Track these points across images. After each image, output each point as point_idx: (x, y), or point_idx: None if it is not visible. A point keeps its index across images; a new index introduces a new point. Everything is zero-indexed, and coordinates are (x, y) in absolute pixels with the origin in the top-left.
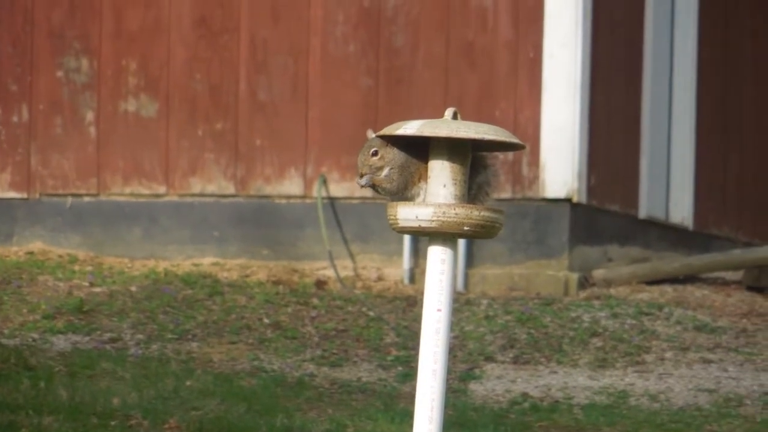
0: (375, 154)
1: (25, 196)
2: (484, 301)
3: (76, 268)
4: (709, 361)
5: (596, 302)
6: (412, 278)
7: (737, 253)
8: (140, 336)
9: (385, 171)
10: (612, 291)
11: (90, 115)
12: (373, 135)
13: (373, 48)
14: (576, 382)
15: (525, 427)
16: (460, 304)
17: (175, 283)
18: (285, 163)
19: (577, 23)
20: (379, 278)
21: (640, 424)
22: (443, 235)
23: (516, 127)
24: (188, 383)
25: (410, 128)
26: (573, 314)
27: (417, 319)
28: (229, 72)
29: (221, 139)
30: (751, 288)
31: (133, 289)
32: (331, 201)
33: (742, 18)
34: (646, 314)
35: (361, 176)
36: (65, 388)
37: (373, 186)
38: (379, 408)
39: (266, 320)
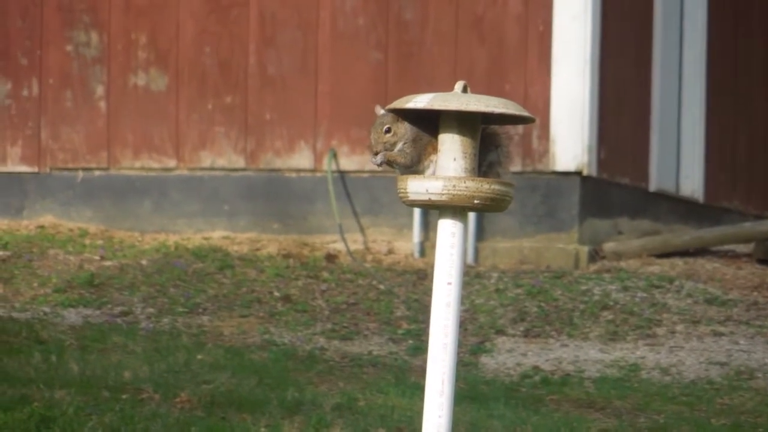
0: (388, 131)
1: (35, 170)
2: (495, 275)
3: (87, 241)
4: (720, 334)
5: (607, 275)
6: (423, 252)
7: (748, 226)
8: (151, 310)
9: (399, 146)
10: (622, 264)
11: (100, 89)
12: (383, 111)
13: (382, 22)
14: (587, 355)
15: (536, 401)
16: (471, 277)
17: (186, 257)
18: (295, 136)
19: None
20: (390, 251)
21: (651, 397)
22: (453, 209)
23: (526, 101)
24: (199, 357)
25: (420, 102)
26: (583, 287)
27: (427, 293)
28: (239, 46)
29: (231, 113)
30: (761, 261)
31: (144, 262)
32: (341, 174)
33: None
34: (657, 287)
35: (375, 154)
36: (76, 361)
37: (388, 162)
38: (390, 381)
39: (277, 294)
